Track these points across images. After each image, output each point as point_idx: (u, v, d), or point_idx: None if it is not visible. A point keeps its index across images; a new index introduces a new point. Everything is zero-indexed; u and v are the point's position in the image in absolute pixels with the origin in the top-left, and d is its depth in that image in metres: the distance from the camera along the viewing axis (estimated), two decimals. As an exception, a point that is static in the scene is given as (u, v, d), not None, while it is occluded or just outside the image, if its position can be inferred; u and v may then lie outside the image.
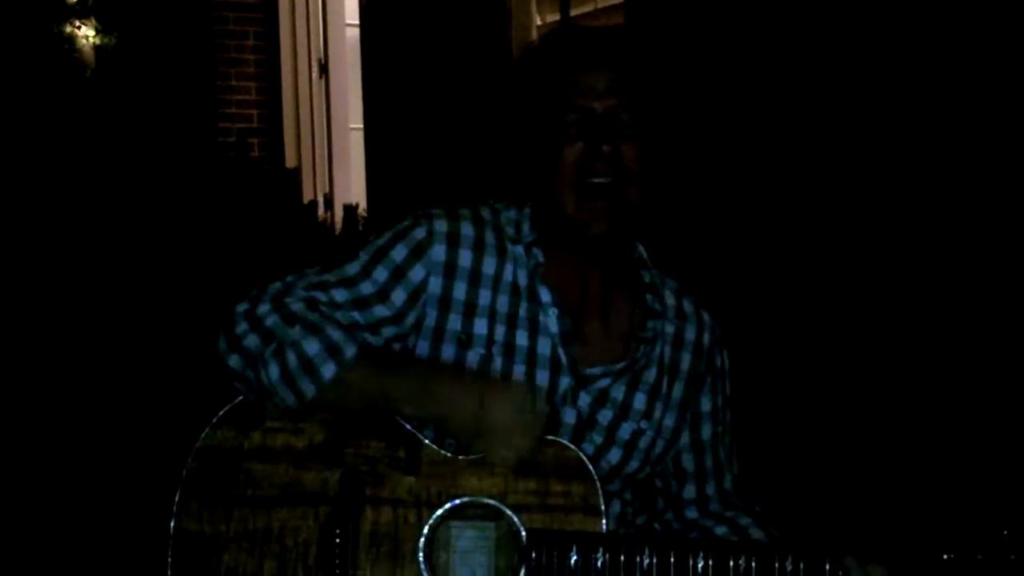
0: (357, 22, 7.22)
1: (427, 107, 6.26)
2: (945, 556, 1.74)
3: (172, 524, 1.81)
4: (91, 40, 7.05)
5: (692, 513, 2.10)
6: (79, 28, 6.98)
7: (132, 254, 5.95)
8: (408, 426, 1.84)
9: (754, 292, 4.14)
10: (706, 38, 4.44)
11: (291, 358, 1.77)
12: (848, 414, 3.81)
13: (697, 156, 4.19)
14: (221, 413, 1.86)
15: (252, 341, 1.81)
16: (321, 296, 1.87)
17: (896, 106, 3.75)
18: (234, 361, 1.83)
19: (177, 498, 1.82)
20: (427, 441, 1.84)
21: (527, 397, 1.80)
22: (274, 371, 1.78)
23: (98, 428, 4.91)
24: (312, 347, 1.77)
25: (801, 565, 1.75)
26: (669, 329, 2.03)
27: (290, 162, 7.70)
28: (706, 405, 2.08)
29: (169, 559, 1.80)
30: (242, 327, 1.83)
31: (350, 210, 6.71)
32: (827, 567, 1.75)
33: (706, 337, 2.08)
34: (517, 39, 5.86)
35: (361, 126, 7.31)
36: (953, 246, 3.61)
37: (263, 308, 1.83)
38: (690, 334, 2.06)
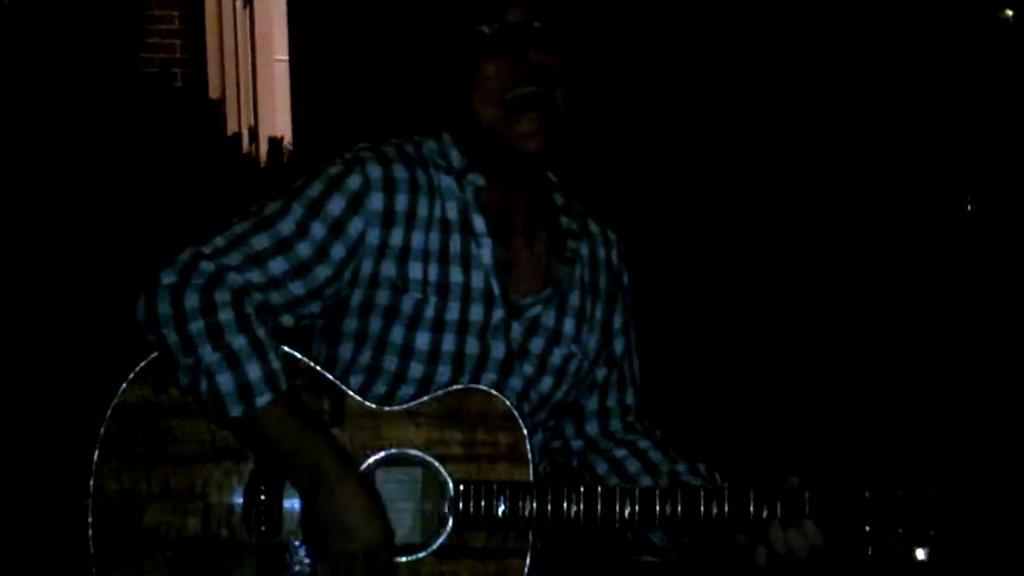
0: (282, -50, 7.09)
1: (354, 38, 6.17)
2: (867, 494, 1.78)
3: (91, 483, 1.77)
4: (6, -35, 6.85)
5: (592, 428, 2.09)
6: (-7, -48, 6.79)
7: (46, 190, 5.81)
8: (330, 376, 1.83)
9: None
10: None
11: (203, 384, 1.72)
12: (769, 357, 3.87)
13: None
14: (137, 369, 1.82)
15: (172, 338, 1.74)
16: (257, 278, 1.79)
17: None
18: (151, 337, 1.77)
19: (96, 457, 1.78)
20: (351, 392, 1.83)
21: (383, 530, 1.73)
22: (184, 380, 1.74)
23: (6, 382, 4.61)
24: (226, 383, 1.71)
25: (726, 508, 1.77)
26: (584, 250, 2.04)
27: (214, 93, 7.56)
28: (617, 321, 2.09)
29: (90, 519, 1.77)
30: (164, 309, 1.74)
31: (275, 143, 6.63)
32: (751, 509, 1.78)
33: (614, 255, 2.10)
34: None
35: (287, 57, 7.20)
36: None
37: (191, 300, 1.73)
38: (601, 253, 2.08)
